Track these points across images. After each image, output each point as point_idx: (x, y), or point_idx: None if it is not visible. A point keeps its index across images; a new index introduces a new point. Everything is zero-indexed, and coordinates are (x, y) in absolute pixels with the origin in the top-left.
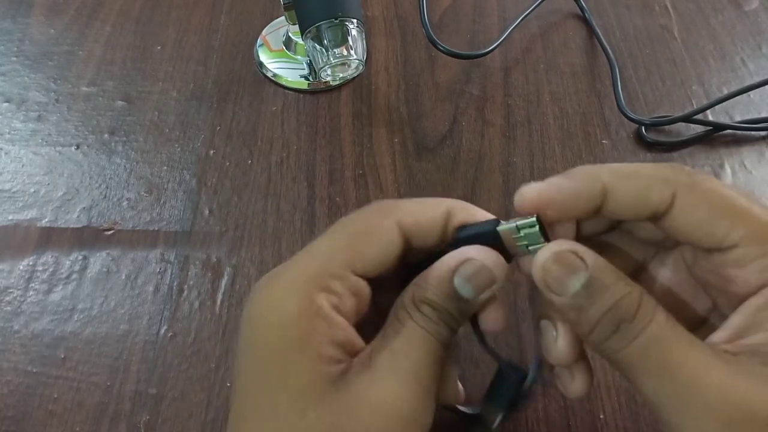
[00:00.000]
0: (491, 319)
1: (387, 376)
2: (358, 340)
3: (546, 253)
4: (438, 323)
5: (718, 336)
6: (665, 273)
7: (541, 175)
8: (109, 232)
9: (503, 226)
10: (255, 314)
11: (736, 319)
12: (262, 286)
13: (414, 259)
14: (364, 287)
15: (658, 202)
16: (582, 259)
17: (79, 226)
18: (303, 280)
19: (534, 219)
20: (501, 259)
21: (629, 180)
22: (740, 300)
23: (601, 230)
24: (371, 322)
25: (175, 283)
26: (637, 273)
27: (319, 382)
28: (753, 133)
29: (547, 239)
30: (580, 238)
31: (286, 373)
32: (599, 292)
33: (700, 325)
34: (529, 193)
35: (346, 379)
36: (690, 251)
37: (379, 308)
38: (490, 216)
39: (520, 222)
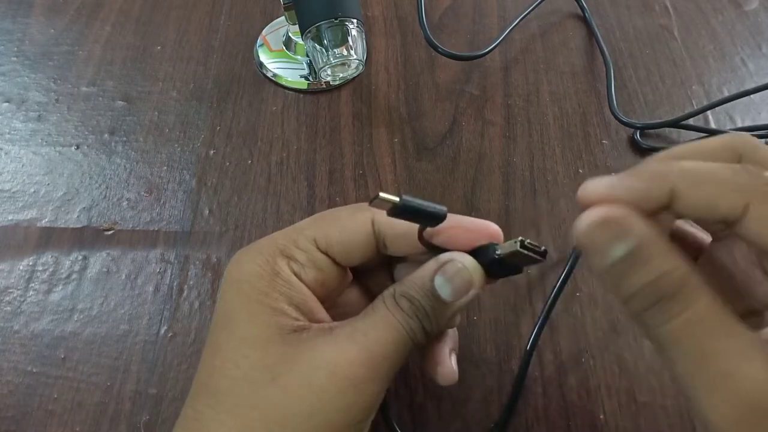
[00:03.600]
0: (442, 374)
1: (340, 342)
2: (319, 309)
3: (592, 215)
4: (411, 317)
5: None
6: (731, 254)
7: (540, 175)
8: (109, 232)
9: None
10: (226, 275)
11: None
12: (237, 253)
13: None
14: (328, 264)
15: (727, 212)
16: (630, 227)
17: (79, 226)
18: (268, 247)
19: (517, 248)
20: (479, 267)
21: (699, 186)
22: None
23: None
24: None
25: (175, 283)
26: (702, 250)
27: (267, 332)
28: None
29: (543, 255)
30: None
31: (238, 321)
32: (642, 263)
33: (761, 312)
34: (595, 189)
35: (299, 336)
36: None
37: None
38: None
39: (502, 251)
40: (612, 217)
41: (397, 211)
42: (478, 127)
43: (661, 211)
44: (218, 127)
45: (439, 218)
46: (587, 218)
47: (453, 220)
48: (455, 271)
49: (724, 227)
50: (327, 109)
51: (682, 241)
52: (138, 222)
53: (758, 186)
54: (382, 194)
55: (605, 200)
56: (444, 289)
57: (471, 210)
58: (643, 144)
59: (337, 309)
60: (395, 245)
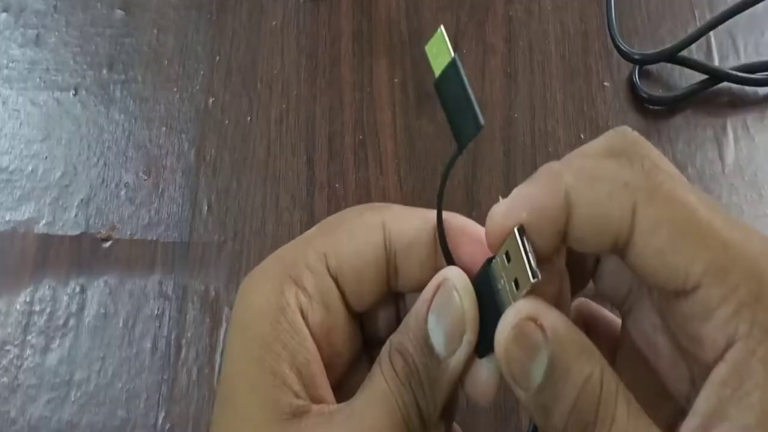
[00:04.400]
0: (480, 388)
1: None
2: (321, 375)
3: (506, 327)
4: (404, 382)
5: (688, 427)
6: (642, 330)
7: (542, 138)
8: (107, 243)
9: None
10: (234, 305)
11: (702, 404)
12: (247, 277)
13: None
14: (336, 299)
15: (619, 218)
16: (542, 327)
17: (77, 232)
18: (275, 268)
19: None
20: (472, 291)
21: (592, 184)
22: (709, 370)
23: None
24: None
25: (173, 335)
26: (616, 339)
27: (265, 414)
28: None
29: (531, 264)
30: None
31: (238, 400)
32: (561, 379)
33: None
34: (497, 213)
35: (297, 424)
36: (662, 300)
37: None
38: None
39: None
40: (522, 321)
41: (447, 69)
42: (479, 59)
43: (560, 233)
44: (217, 57)
45: (476, 121)
46: (501, 338)
47: (461, 222)
48: (445, 302)
49: (617, 253)
50: (327, 26)
51: (596, 330)
52: (136, 229)
53: (642, 180)
54: (442, 28)
55: (508, 223)
56: (436, 334)
57: (471, 183)
58: (642, 92)
59: (344, 390)
60: (406, 261)
